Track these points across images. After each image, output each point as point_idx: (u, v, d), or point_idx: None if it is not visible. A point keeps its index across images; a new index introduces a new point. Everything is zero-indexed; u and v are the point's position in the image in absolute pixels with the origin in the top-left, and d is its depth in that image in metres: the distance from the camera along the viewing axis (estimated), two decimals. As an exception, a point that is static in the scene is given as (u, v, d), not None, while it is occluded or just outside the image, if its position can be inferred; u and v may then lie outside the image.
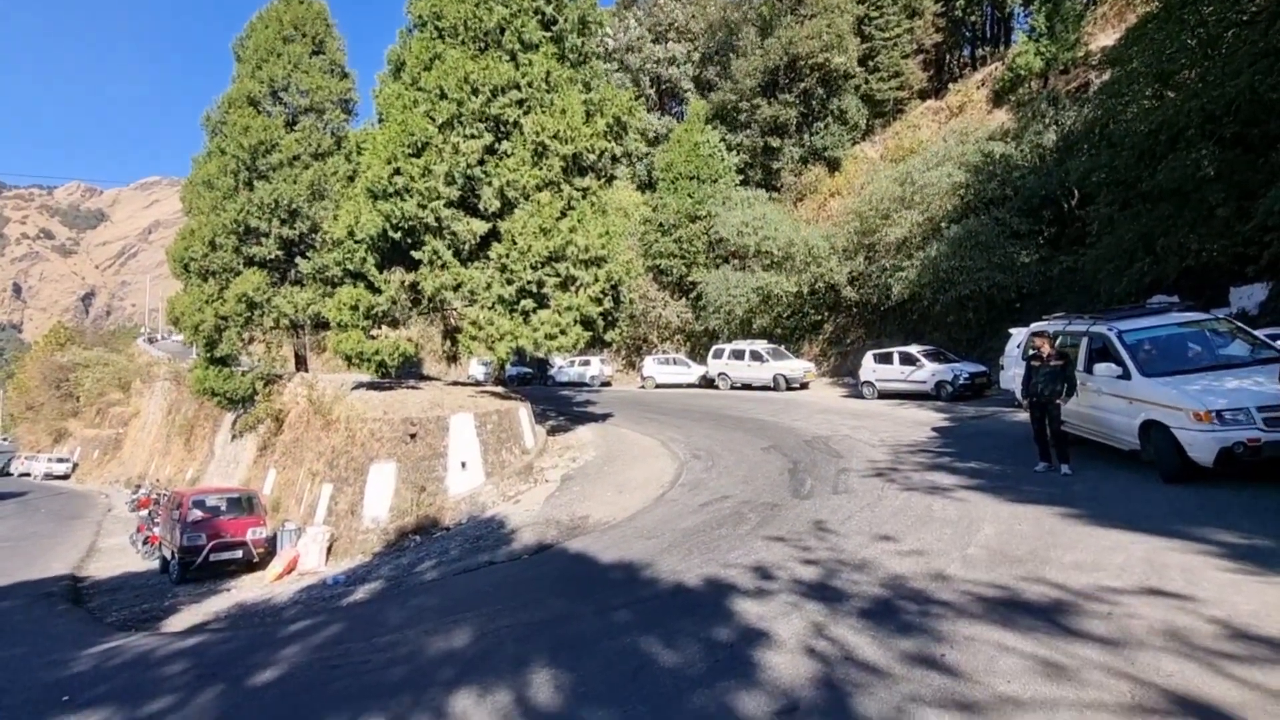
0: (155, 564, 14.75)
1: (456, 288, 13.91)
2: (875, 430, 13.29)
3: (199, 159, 22.54)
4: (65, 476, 44.68)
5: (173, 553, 12.95)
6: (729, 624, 5.24)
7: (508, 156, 14.23)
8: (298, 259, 21.21)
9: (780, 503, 8.81)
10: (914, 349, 18.13)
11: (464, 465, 12.90)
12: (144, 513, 21.04)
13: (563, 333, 13.72)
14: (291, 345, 23.85)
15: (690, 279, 29.57)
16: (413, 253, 14.06)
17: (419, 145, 13.70)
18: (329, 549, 12.01)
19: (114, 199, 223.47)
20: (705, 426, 16.22)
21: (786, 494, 9.23)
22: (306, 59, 21.54)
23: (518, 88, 14.35)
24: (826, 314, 26.50)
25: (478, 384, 22.52)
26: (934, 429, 13.03)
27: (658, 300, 31.01)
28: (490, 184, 14.18)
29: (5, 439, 77.01)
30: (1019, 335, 12.91)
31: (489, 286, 13.77)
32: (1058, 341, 9.15)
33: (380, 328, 15.38)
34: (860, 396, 18.96)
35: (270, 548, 13.06)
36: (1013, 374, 12.52)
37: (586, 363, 30.88)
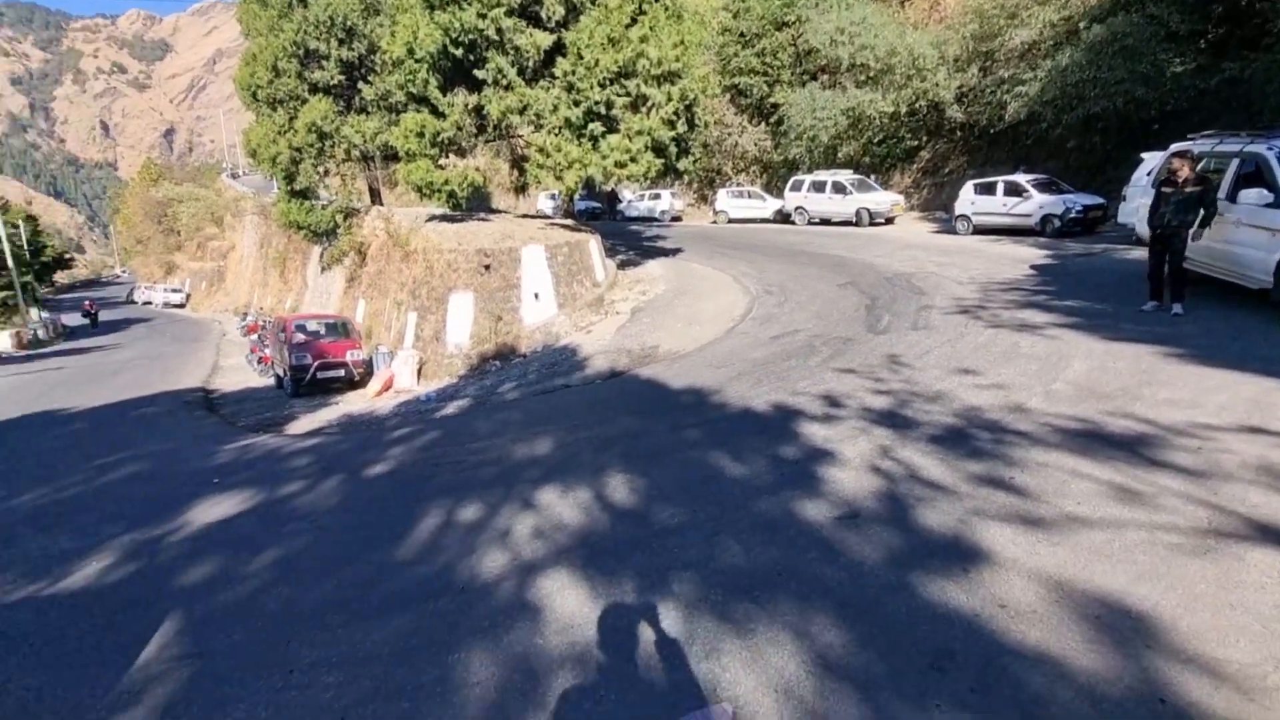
0: (270, 381, 16.56)
1: (522, 110, 13.24)
2: (965, 267, 12.52)
3: (249, -28, 21.28)
4: (181, 305, 49.39)
5: (285, 370, 14.43)
6: (795, 444, 5.43)
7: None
8: (360, 84, 20.56)
9: (854, 337, 8.67)
10: (1022, 178, 16.32)
11: (537, 296, 13.26)
12: (254, 337, 23.28)
13: (633, 160, 13.07)
14: (365, 178, 24.05)
15: (772, 100, 26.94)
16: (475, 71, 13.28)
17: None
18: (419, 370, 13.04)
19: (174, 26, 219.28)
20: (779, 262, 15.74)
21: (861, 329, 9.05)
22: None
23: None
24: (924, 139, 23.89)
25: (546, 217, 22.38)
26: (1033, 266, 12.13)
27: (734, 126, 28.73)
28: (553, -14, 12.81)
29: (124, 271, 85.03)
30: (1152, 160, 11.31)
31: (555, 108, 13.03)
32: (1200, 165, 7.95)
33: (447, 156, 15.12)
34: (953, 232, 17.65)
35: (368, 369, 14.30)
36: (1136, 205, 11.18)
37: (656, 196, 29.86)
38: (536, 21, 13.51)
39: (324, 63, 19.86)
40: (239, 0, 22.14)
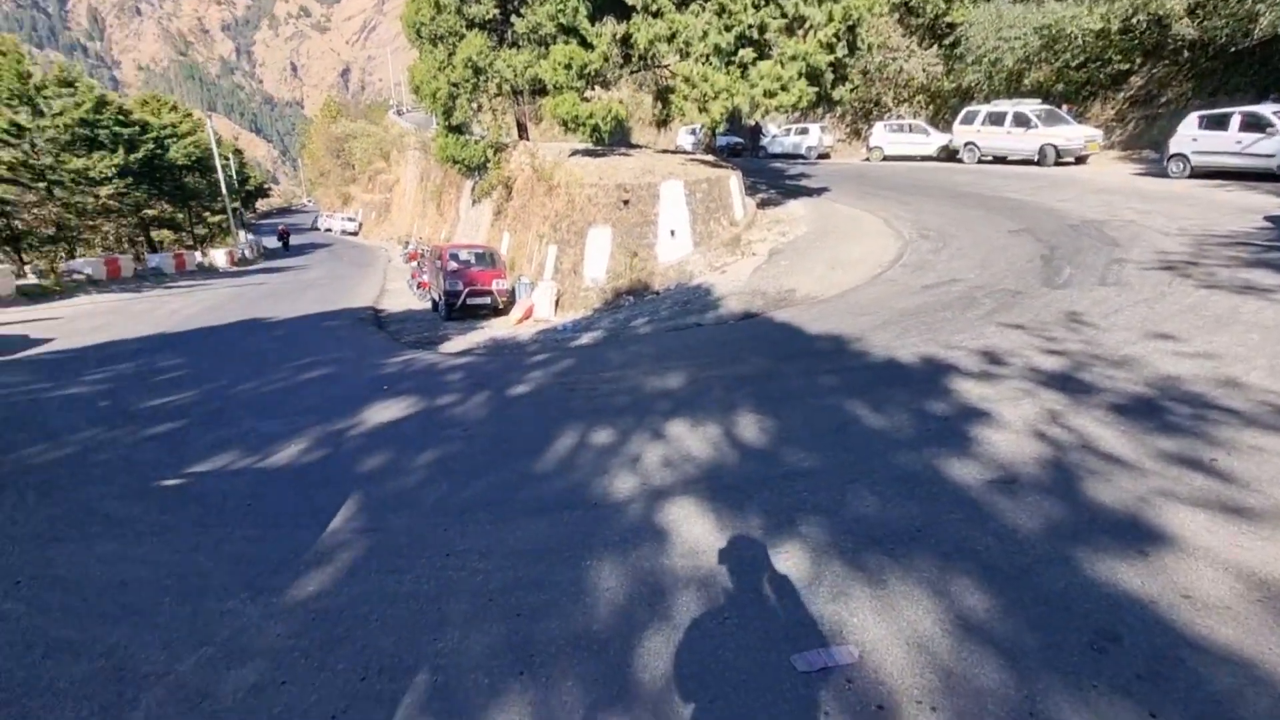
0: (427, 305, 18.17)
1: (670, 38, 12.83)
2: (1174, 216, 10.65)
3: (415, -91, 22.11)
4: (355, 233, 55.07)
5: (440, 295, 15.73)
6: (945, 400, 5.05)
7: None
8: (512, 17, 20.98)
9: (1025, 290, 7.77)
10: (1268, 109, 13.31)
11: (673, 233, 13.19)
12: (414, 264, 25.55)
13: (784, 89, 12.27)
14: (514, 113, 24.86)
15: (948, 20, 23.90)
16: (625, -1, 13.01)
17: None
18: (557, 302, 13.64)
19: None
20: (940, 204, 14.32)
21: (1034, 282, 8.08)
22: None
23: None
24: (1138, 61, 20.08)
25: (685, 153, 21.93)
26: (1267, 218, 10.04)
27: (901, 50, 25.90)
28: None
29: (309, 200, 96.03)
30: None
31: (705, 35, 12.48)
32: None
33: (593, 88, 15.14)
34: (1164, 175, 14.94)
35: (511, 298, 15.20)
36: None
37: (804, 131, 28.04)
38: (690, -60, 12.85)
39: (481, -2, 20.42)
40: (407, -63, 23.17)
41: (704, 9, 12.96)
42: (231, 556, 3.81)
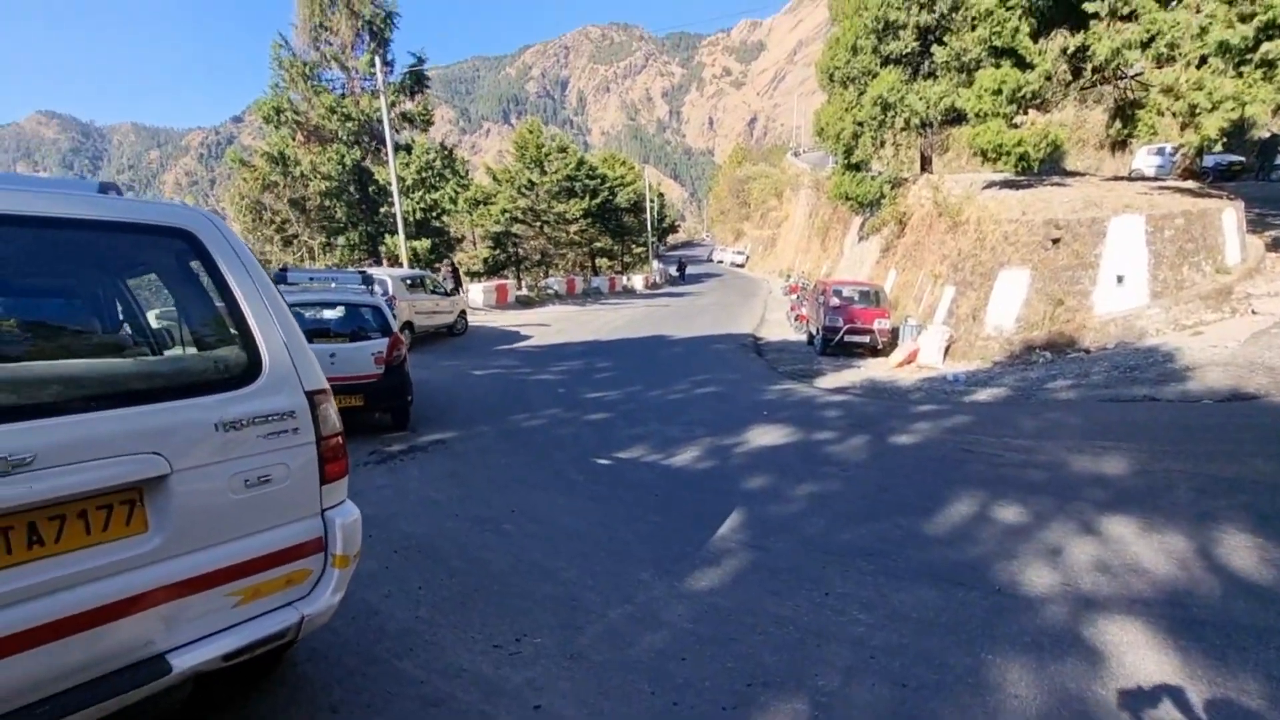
0: (803, 337, 18.64)
1: (1147, 43, 10.44)
2: None
3: (845, -39, 23.12)
4: (742, 265, 60.27)
5: (817, 329, 15.95)
6: None
7: None
8: (933, 47, 20.10)
9: None
10: None
11: (1120, 280, 10.61)
12: (793, 296, 26.56)
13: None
14: (918, 146, 23.78)
15: None
16: (1085, 5, 11.11)
17: None
18: (947, 349, 12.40)
19: (769, 28, 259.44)
20: None
21: None
22: None
23: None
24: None
25: (1147, 179, 17.54)
26: None
27: None
28: None
29: (708, 235, 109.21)
30: None
31: (1203, 32, 9.76)
32: None
33: (1025, 113, 13.35)
34: None
35: (892, 338, 14.46)
36: None
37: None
38: (1195, -82, 10.24)
39: (900, 33, 20.16)
40: (831, -11, 24.40)
41: (1203, 2, 10.15)
42: (644, 535, 4.51)
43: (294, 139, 22.12)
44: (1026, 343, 11.08)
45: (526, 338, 16.77)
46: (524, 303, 27.03)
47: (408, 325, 14.02)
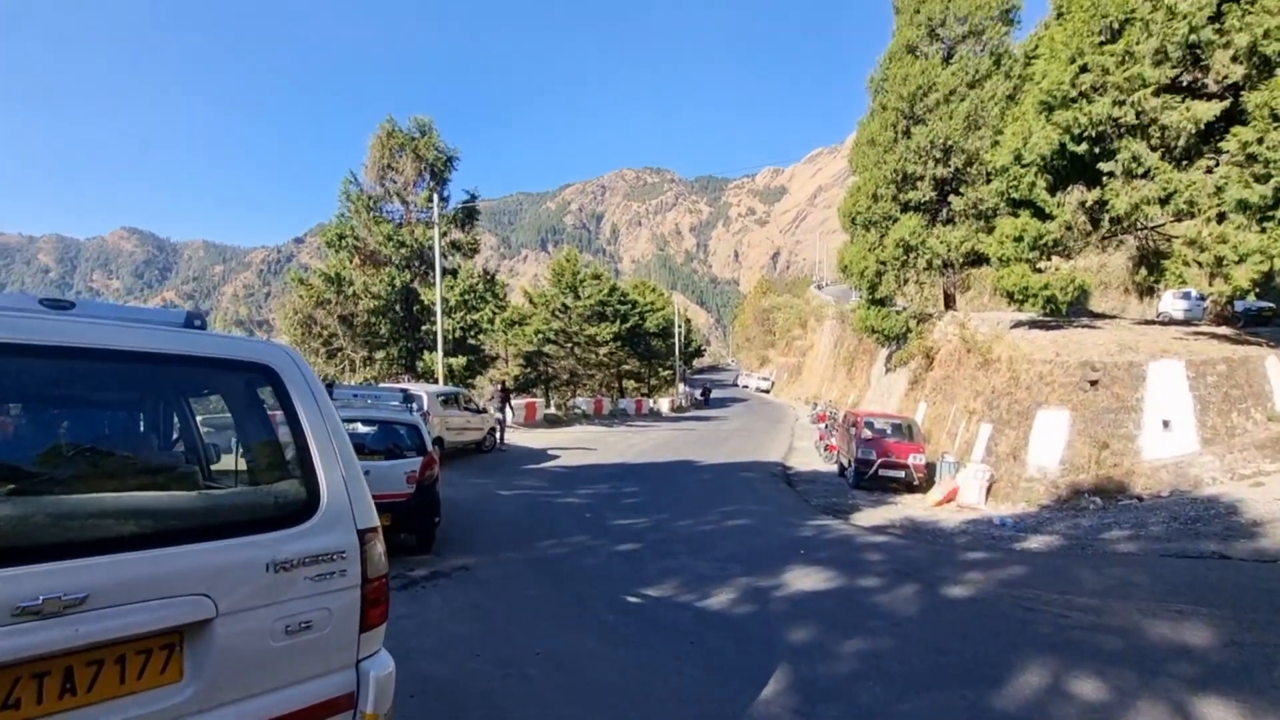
0: (833, 467, 18.15)
1: (1164, 199, 10.91)
2: None
3: (863, 121, 25.29)
4: (767, 391, 60.50)
5: (849, 461, 15.55)
6: None
7: (1261, -1, 9.96)
8: (950, 197, 21.33)
9: None
10: None
11: (1166, 425, 10.29)
12: (821, 425, 26.24)
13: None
14: (941, 285, 24.47)
15: None
16: (1099, 165, 11.78)
17: (1114, 27, 11.16)
18: (989, 489, 11.90)
19: (791, 175, 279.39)
20: None
21: None
22: (964, -15, 20.79)
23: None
24: None
25: (1177, 323, 17.57)
26: None
27: None
28: (1227, 45, 10.32)
29: (733, 361, 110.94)
30: None
31: (1220, 190, 10.19)
32: None
33: (1049, 259, 13.75)
34: None
35: (929, 474, 13.98)
36: None
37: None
38: (1194, 92, 11.09)
39: (918, 183, 21.54)
40: (853, 144, 26.48)
41: (1217, 162, 10.72)
42: (681, 692, 4.12)
43: (351, 261, 23.73)
44: (1073, 486, 10.59)
45: (554, 457, 16.64)
46: (552, 421, 27.15)
47: (438, 440, 14.09)
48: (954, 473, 12.80)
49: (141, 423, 3.18)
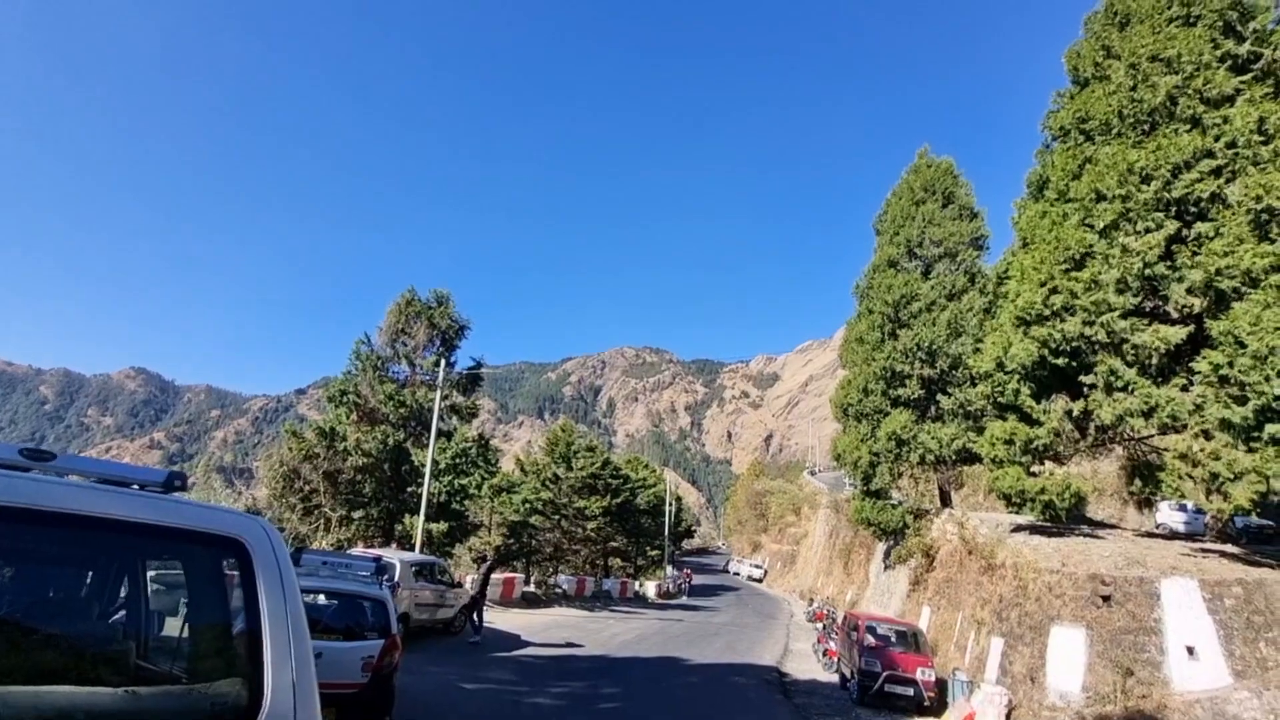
0: (833, 675, 16.49)
1: (1148, 413, 11.25)
2: None
3: (851, 321, 27.03)
4: (760, 579, 57.19)
5: (851, 672, 14.16)
6: None
7: (1209, 240, 11.18)
8: (938, 395, 22.02)
9: None
10: None
11: (1191, 652, 9.53)
12: (819, 625, 24.37)
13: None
14: (935, 480, 24.31)
15: None
16: (1080, 377, 12.34)
17: (1076, 258, 12.39)
18: (1008, 716, 10.67)
19: (783, 363, 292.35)
20: None
21: None
22: (937, 213, 23.49)
23: (1210, 155, 11.43)
24: None
25: (1180, 537, 17.13)
26: None
27: None
28: (1182, 279, 11.36)
29: (724, 544, 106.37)
30: None
31: (1199, 408, 10.55)
32: None
33: (1042, 463, 13.80)
34: None
35: (939, 693, 12.65)
36: None
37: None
38: (1161, 317, 11.98)
39: (907, 381, 22.37)
40: (843, 341, 28.03)
41: (1191, 380, 11.24)
42: None
43: (348, 417, 23.79)
44: (1101, 717, 9.50)
45: (527, 644, 15.17)
46: (530, 601, 25.26)
47: (403, 617, 12.92)
48: (968, 694, 11.59)
49: (85, 587, 2.90)
